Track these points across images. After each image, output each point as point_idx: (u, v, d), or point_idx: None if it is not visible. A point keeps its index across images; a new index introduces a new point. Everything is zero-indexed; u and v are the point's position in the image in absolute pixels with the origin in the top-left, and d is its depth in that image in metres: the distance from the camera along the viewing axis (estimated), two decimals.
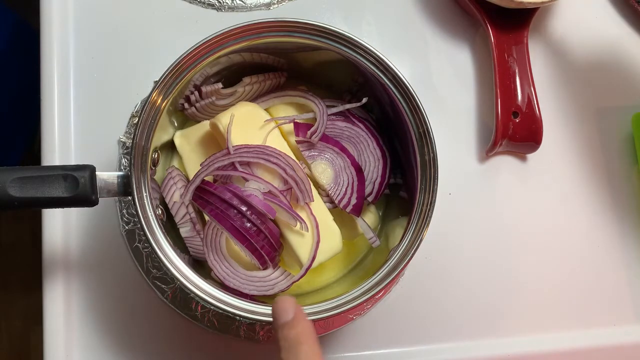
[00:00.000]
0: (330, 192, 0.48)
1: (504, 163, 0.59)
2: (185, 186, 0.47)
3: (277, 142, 0.47)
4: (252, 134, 0.47)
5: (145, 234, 0.41)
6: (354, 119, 0.50)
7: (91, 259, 0.53)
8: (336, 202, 0.48)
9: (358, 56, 0.45)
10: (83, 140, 0.54)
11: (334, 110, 0.49)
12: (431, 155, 0.44)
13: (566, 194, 0.59)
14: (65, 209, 0.52)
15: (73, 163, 0.53)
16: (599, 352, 0.56)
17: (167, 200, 0.48)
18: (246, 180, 0.45)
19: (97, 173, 0.42)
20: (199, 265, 0.49)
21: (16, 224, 1.19)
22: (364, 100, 0.49)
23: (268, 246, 0.45)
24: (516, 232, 0.58)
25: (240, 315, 0.41)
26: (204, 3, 0.57)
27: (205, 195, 0.45)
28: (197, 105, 0.48)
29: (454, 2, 0.60)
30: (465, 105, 0.59)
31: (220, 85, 0.47)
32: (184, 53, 0.43)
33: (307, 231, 0.46)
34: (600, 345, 0.56)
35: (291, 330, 0.33)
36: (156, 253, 0.41)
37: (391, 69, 0.44)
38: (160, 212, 0.47)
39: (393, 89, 0.45)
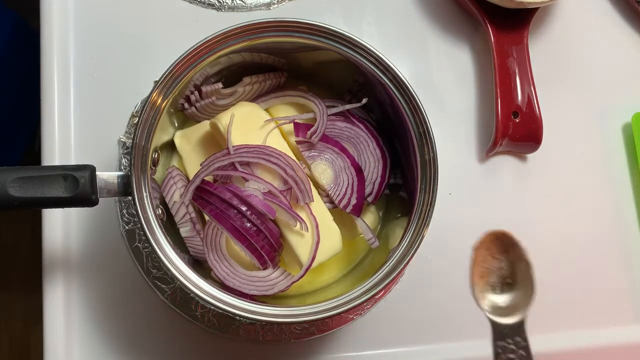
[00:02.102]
0: (330, 193, 0.48)
1: (504, 163, 0.59)
2: (185, 186, 0.47)
3: (277, 142, 0.47)
4: (252, 134, 0.47)
5: (145, 234, 0.41)
6: (354, 119, 0.50)
7: (91, 259, 0.53)
8: (336, 202, 0.48)
9: (358, 56, 0.45)
10: (83, 140, 0.54)
11: (334, 110, 0.49)
12: (431, 155, 0.44)
13: (566, 194, 0.59)
14: (65, 209, 0.52)
15: (73, 163, 0.53)
16: (599, 352, 0.56)
17: (167, 200, 0.48)
18: (246, 180, 0.45)
19: (97, 173, 0.42)
20: (199, 265, 0.49)
21: (16, 224, 1.19)
22: (364, 100, 0.49)
23: (268, 246, 0.45)
24: (516, 232, 0.58)
25: (240, 315, 0.41)
26: (204, 3, 0.57)
27: (205, 195, 0.45)
28: (197, 105, 0.48)
29: (454, 2, 0.60)
30: (465, 105, 0.59)
31: (220, 85, 0.47)
32: (184, 53, 0.43)
33: (307, 231, 0.46)
34: (600, 345, 0.56)
35: None
36: (156, 253, 0.41)
37: (391, 69, 0.44)
38: (160, 212, 0.47)
39: (393, 89, 0.45)
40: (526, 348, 0.31)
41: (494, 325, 0.31)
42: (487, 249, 0.31)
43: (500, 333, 0.31)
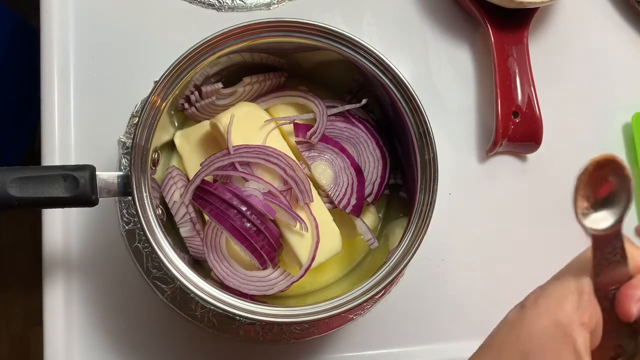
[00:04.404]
0: (330, 193, 0.48)
1: (504, 163, 0.59)
2: (185, 186, 0.47)
3: (277, 143, 0.47)
4: (252, 134, 0.47)
5: (145, 234, 0.41)
6: (353, 120, 0.50)
7: (91, 259, 0.53)
8: (336, 202, 0.48)
9: (358, 56, 0.45)
10: (83, 140, 0.54)
11: (334, 110, 0.49)
12: (431, 155, 0.44)
13: (566, 194, 0.59)
14: (65, 209, 0.52)
15: (73, 163, 0.53)
16: None
17: (167, 200, 0.48)
18: (246, 180, 0.45)
19: (97, 173, 0.42)
20: (199, 265, 0.49)
21: (16, 224, 1.19)
22: (364, 101, 0.49)
23: (268, 246, 0.45)
24: (516, 232, 0.58)
25: (240, 315, 0.41)
26: (204, 3, 0.57)
27: (205, 195, 0.45)
28: (197, 105, 0.48)
29: (454, 2, 0.60)
30: (465, 105, 0.59)
31: (220, 85, 0.47)
32: (184, 53, 0.43)
33: (307, 231, 0.46)
34: None
35: None
36: (156, 253, 0.41)
37: (391, 69, 0.44)
38: (160, 212, 0.47)
39: (393, 89, 0.45)
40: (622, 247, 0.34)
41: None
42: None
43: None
